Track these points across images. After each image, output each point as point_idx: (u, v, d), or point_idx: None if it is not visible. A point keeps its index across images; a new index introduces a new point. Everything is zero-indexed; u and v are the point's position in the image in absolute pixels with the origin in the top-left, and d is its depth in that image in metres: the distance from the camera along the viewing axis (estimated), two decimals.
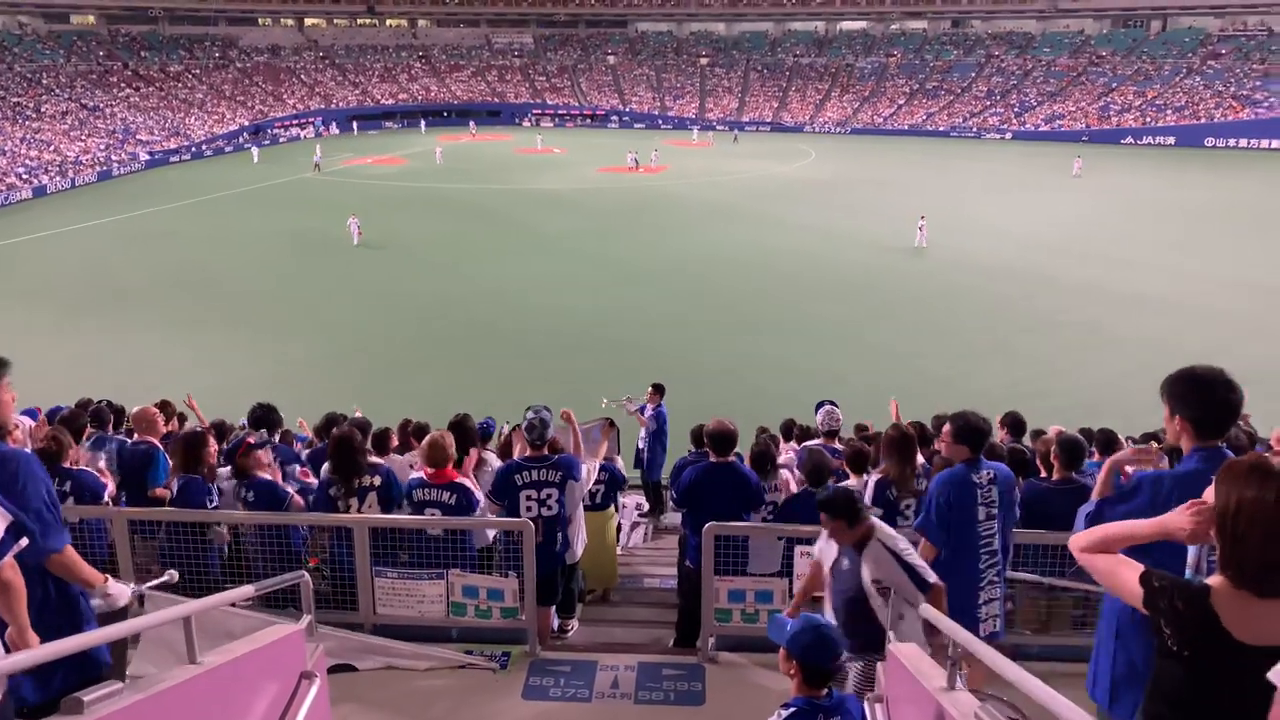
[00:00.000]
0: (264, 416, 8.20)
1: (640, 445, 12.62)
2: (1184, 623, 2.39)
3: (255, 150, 65.83)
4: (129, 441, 7.69)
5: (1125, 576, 2.58)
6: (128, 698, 3.06)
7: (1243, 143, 66.30)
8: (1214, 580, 2.43)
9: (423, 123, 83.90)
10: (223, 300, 27.61)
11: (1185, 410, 3.49)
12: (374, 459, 6.79)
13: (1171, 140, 68.60)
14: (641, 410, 12.46)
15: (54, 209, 44.94)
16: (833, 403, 8.87)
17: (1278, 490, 2.29)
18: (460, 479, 6.37)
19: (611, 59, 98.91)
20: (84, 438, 7.52)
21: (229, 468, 6.64)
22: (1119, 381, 19.44)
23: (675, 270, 30.71)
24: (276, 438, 8.46)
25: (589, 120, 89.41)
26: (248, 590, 4.53)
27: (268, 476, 6.60)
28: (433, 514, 6.21)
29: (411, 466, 7.86)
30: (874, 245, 34.16)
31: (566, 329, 24.36)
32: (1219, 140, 67.19)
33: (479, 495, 6.39)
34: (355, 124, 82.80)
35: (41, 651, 3.02)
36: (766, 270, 30.57)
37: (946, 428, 5.18)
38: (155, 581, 4.39)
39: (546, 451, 6.43)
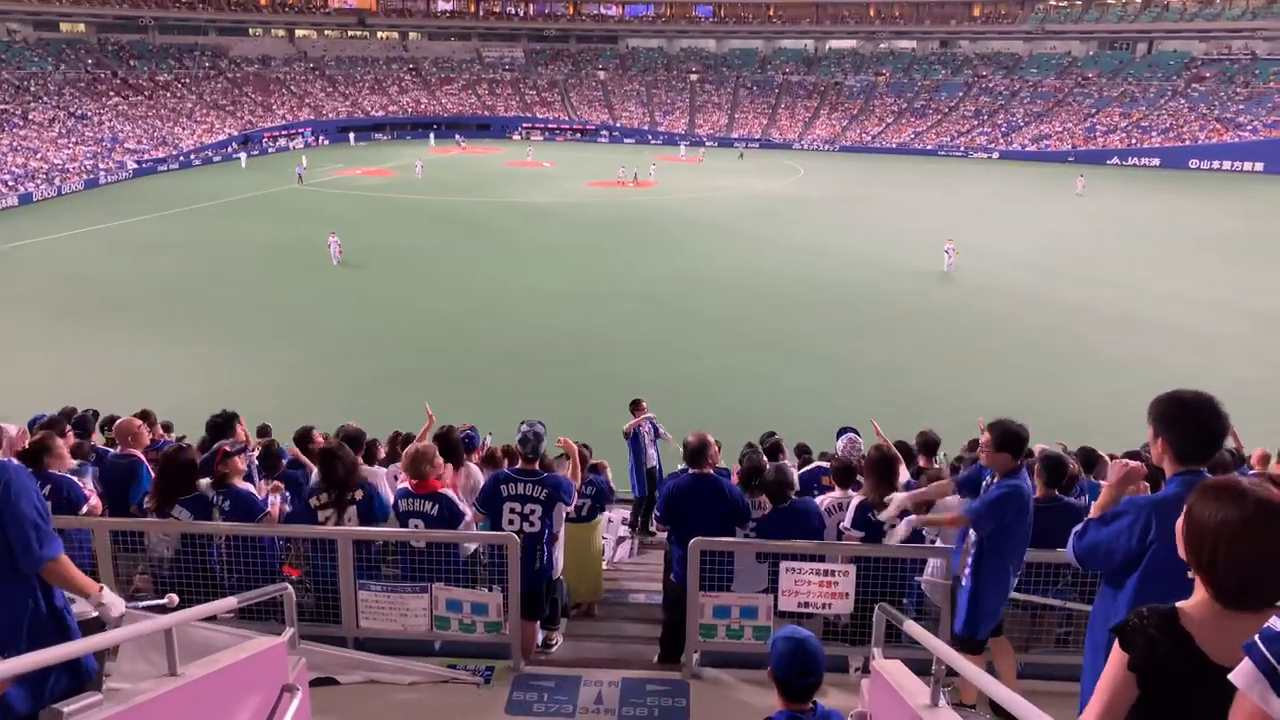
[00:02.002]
0: (224, 424, 8.01)
1: (657, 463, 12.49)
2: (1160, 647, 2.40)
3: (244, 157, 65.67)
4: (111, 453, 7.62)
5: (1110, 672, 2.56)
6: (107, 709, 3.04)
7: (1226, 165, 66.97)
8: (1182, 603, 2.46)
9: (431, 135, 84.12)
10: (208, 310, 27.48)
11: (1169, 434, 3.48)
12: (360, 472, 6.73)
13: (1156, 162, 69.26)
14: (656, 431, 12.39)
15: (40, 217, 44.71)
16: (854, 430, 8.88)
17: (1254, 507, 2.33)
18: (443, 489, 6.34)
19: (602, 74, 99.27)
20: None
21: (207, 478, 6.58)
22: (1106, 401, 19.56)
23: (662, 285, 30.75)
24: (256, 450, 8.35)
25: (579, 135, 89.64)
26: (230, 602, 4.50)
27: (246, 485, 6.54)
28: (416, 524, 6.18)
29: (395, 478, 7.82)
30: (866, 263, 34.33)
31: (552, 343, 24.34)
32: (1203, 162, 67.87)
33: (464, 506, 6.36)
34: (352, 135, 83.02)
35: (20, 662, 2.99)
36: (755, 287, 30.64)
37: (986, 437, 5.24)
38: (151, 602, 4.35)
39: (538, 467, 6.40)
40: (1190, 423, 3.45)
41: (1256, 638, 2.08)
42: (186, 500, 6.14)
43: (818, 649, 3.29)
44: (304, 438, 8.83)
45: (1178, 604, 2.45)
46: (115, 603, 3.78)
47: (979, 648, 5.34)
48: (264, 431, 11.24)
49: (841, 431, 9.08)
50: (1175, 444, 3.47)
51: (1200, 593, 2.45)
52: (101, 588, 3.76)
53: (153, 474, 6.90)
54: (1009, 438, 5.08)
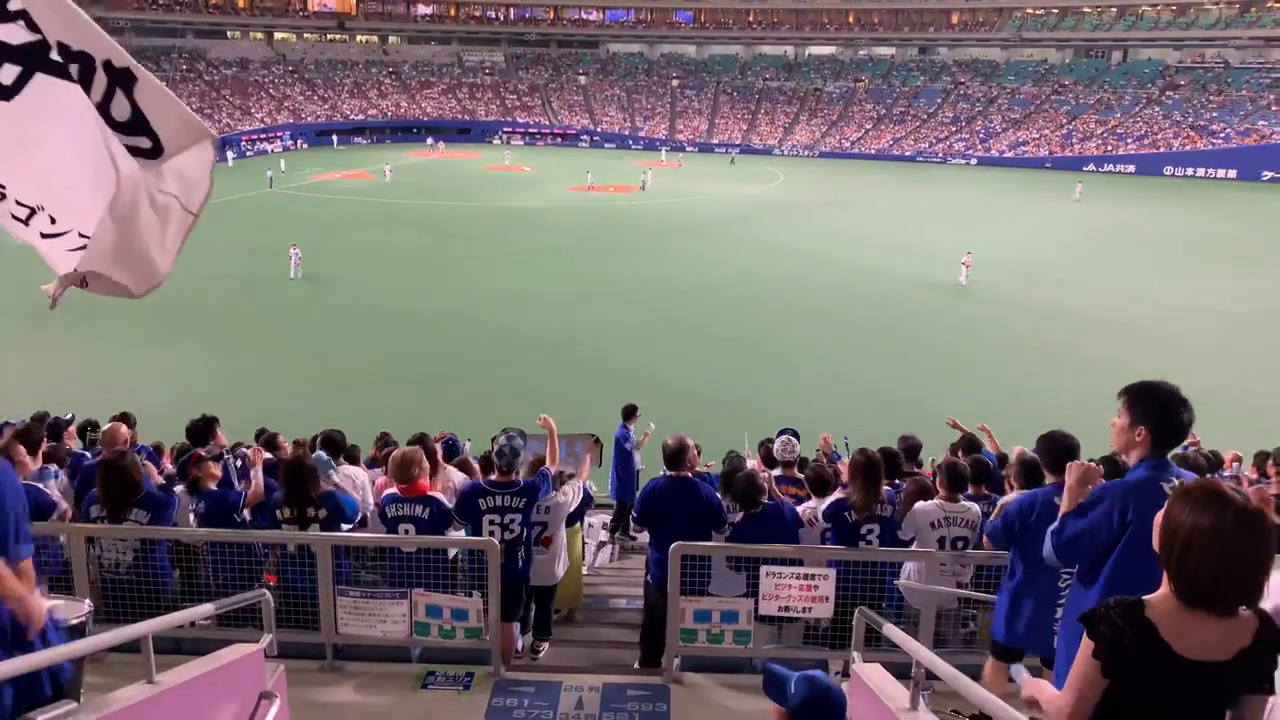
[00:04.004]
0: (205, 428, 7.93)
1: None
2: (1125, 636, 2.44)
3: (230, 156, 65.37)
4: (88, 457, 7.55)
5: (1080, 660, 2.58)
6: (81, 718, 3.00)
7: (1200, 172, 67.80)
8: (1149, 595, 2.51)
9: (429, 139, 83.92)
10: (184, 316, 27.17)
11: (1148, 421, 3.68)
12: (328, 483, 6.64)
13: (1131, 168, 70.01)
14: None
15: None
16: (792, 431, 8.82)
17: (1232, 516, 2.36)
18: (431, 492, 6.32)
19: (582, 79, 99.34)
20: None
21: (181, 485, 6.52)
22: (1077, 404, 19.65)
23: (642, 289, 30.76)
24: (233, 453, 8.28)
25: (559, 139, 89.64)
26: (207, 609, 4.45)
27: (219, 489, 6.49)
28: (406, 529, 6.15)
29: (372, 483, 7.78)
30: (847, 267, 34.50)
31: (533, 347, 24.28)
32: (1177, 169, 68.66)
33: (451, 507, 6.35)
34: (334, 138, 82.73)
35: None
36: (735, 290, 30.69)
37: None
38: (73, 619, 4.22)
39: (516, 477, 6.36)
40: (1168, 412, 3.68)
41: None
42: (139, 500, 6.00)
43: (842, 694, 3.06)
44: (270, 444, 8.71)
45: (1145, 596, 2.49)
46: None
47: (1011, 656, 5.17)
48: (262, 435, 11.15)
49: (780, 432, 9.04)
50: (1155, 431, 3.69)
51: (1167, 586, 2.49)
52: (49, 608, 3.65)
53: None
54: (1056, 450, 5.02)
